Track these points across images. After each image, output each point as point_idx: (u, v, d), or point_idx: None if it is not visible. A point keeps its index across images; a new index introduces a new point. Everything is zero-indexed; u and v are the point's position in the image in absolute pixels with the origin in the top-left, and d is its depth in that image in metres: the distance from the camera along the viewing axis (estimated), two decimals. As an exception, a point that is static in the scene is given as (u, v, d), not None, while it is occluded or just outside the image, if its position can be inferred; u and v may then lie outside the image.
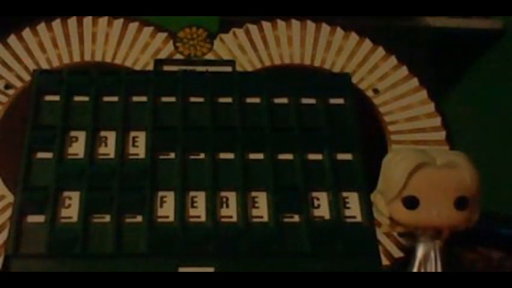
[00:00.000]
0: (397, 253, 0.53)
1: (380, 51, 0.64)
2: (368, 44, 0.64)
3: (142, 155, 0.56)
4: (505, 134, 0.84)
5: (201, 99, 0.59)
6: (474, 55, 0.97)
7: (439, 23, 0.97)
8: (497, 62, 0.94)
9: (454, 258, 0.52)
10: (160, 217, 0.53)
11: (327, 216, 0.54)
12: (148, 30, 0.63)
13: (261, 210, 0.54)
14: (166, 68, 0.61)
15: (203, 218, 0.53)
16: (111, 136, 0.56)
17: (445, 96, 0.92)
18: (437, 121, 0.60)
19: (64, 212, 0.52)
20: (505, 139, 0.83)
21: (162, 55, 0.62)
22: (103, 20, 0.62)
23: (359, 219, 0.54)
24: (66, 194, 0.53)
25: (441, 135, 0.60)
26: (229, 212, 0.54)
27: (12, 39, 0.61)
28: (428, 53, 0.99)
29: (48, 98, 0.58)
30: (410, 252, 0.51)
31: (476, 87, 0.93)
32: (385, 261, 0.52)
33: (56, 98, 0.58)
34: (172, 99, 0.59)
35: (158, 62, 0.61)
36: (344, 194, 0.55)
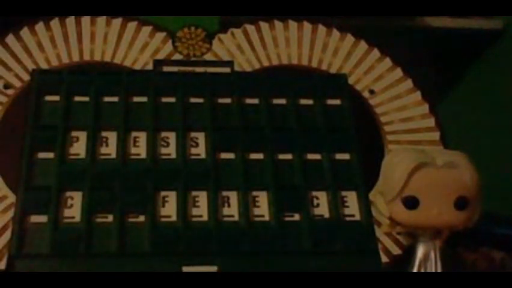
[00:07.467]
0: (396, 250, 0.53)
1: (375, 53, 0.64)
2: (363, 45, 0.65)
3: (143, 155, 0.56)
4: (504, 134, 0.84)
5: (200, 100, 0.59)
6: (474, 55, 0.97)
7: (439, 23, 0.97)
8: (497, 62, 0.94)
9: (455, 259, 0.53)
10: (163, 217, 0.53)
11: (326, 214, 0.55)
12: (146, 29, 0.63)
13: (262, 209, 0.55)
14: (165, 68, 0.61)
15: (205, 218, 0.54)
16: (112, 136, 0.56)
17: (445, 96, 0.93)
18: (431, 122, 0.61)
19: (67, 212, 0.53)
20: (504, 139, 0.84)
21: (161, 55, 0.62)
22: (101, 20, 0.62)
23: (357, 217, 0.55)
24: (68, 194, 0.53)
25: (435, 135, 0.61)
26: (231, 211, 0.54)
27: (10, 39, 0.61)
28: (428, 53, 0.99)
29: (48, 98, 0.58)
30: (409, 249, 0.52)
31: (476, 87, 0.94)
32: (384, 259, 0.53)
33: (56, 98, 0.58)
34: (172, 99, 0.59)
35: (158, 63, 0.61)
36: (343, 193, 0.56)
